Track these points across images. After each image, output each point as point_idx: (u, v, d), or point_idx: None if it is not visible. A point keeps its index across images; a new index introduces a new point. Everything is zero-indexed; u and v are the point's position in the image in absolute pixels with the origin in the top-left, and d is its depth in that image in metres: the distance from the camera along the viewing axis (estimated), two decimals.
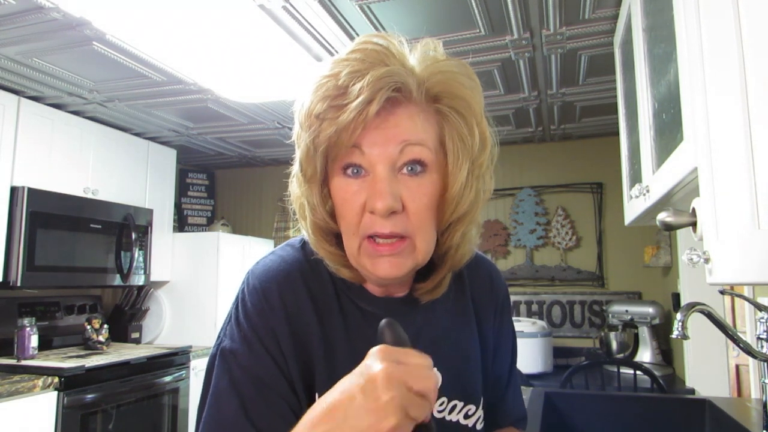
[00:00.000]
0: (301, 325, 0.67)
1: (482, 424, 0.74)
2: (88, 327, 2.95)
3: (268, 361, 0.64)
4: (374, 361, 0.51)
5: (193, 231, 4.06)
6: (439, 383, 0.52)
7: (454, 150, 0.64)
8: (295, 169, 0.67)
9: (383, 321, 0.56)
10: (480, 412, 0.73)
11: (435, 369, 0.52)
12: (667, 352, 3.04)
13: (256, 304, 0.67)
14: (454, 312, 0.76)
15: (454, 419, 0.71)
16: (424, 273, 0.70)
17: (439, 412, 0.71)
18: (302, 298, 0.68)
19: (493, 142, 0.68)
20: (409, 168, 0.61)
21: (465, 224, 0.67)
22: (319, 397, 0.65)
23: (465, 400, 0.72)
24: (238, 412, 0.62)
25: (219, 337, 0.68)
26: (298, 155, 0.65)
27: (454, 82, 0.64)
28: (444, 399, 0.70)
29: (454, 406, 0.72)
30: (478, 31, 2.04)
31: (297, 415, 0.62)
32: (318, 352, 0.67)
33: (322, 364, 0.66)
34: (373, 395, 0.49)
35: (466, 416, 0.72)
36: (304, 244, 0.73)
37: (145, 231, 3.27)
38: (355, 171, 0.62)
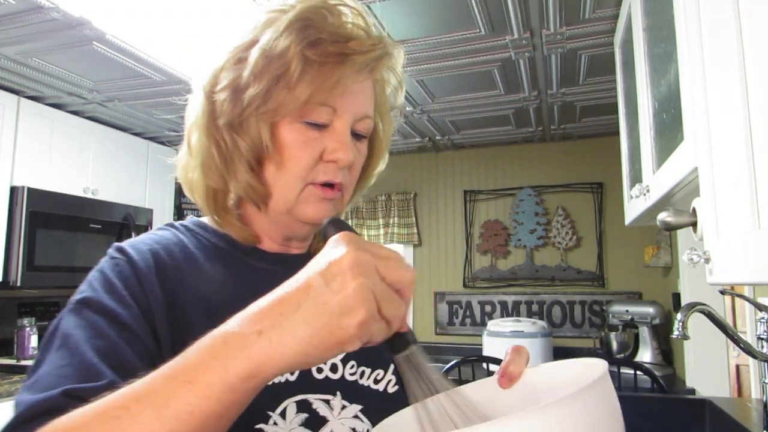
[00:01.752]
0: (174, 282, 0.60)
1: (395, 388, 0.72)
2: None
3: (126, 302, 0.56)
4: (338, 245, 0.41)
5: None
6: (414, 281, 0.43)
7: (388, 119, 0.72)
8: (249, 94, 0.59)
9: (326, 220, 0.51)
10: (390, 377, 0.72)
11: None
12: (668, 352, 3.04)
13: (117, 259, 0.60)
14: None
15: (365, 384, 0.70)
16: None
17: (351, 375, 0.69)
18: (175, 256, 0.63)
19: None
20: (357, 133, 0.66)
21: (371, 181, 0.74)
22: None
23: (372, 366, 0.71)
24: (84, 346, 0.51)
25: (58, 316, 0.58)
26: (255, 85, 0.59)
27: (396, 58, 0.68)
28: (354, 363, 0.69)
29: (363, 372, 0.70)
30: (478, 30, 2.03)
31: (155, 362, 0.48)
32: (194, 310, 0.60)
33: (203, 323, 0.51)
34: (339, 281, 0.39)
35: (376, 381, 0.71)
36: (172, 225, 0.72)
37: (145, 231, 3.27)
38: (319, 125, 0.62)
